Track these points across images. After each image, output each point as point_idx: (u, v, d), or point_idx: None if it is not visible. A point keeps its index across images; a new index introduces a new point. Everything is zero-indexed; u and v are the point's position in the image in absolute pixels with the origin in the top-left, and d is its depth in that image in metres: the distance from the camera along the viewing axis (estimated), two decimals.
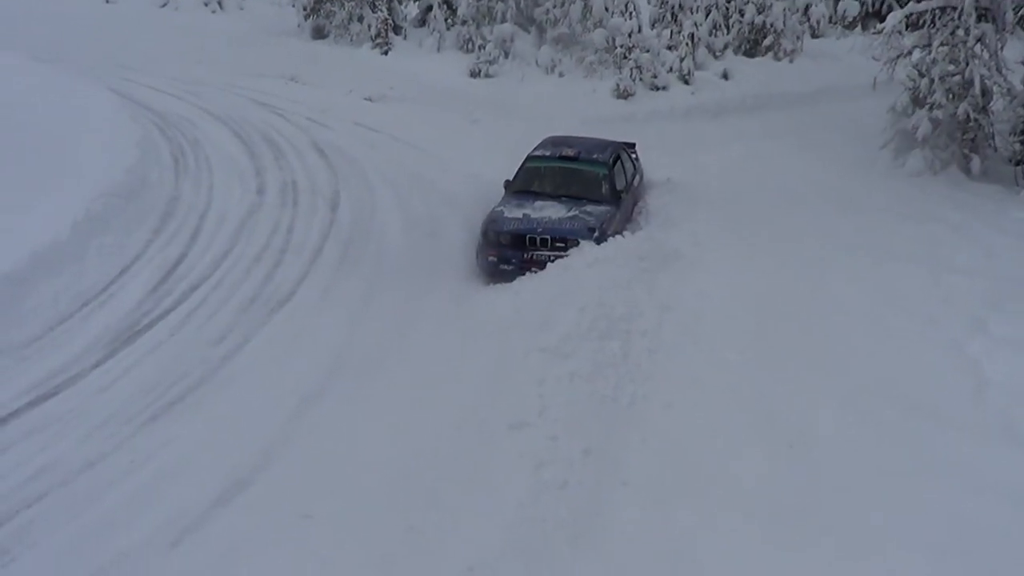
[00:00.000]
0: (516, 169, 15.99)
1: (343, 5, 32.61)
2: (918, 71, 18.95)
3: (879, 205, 17.18)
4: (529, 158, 16.16)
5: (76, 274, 12.73)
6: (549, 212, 14.49)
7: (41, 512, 8.27)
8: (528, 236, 13.98)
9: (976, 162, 18.72)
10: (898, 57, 19.17)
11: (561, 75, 27.76)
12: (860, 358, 11.28)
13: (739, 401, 10.35)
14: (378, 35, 31.38)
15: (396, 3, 33.89)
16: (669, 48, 28.51)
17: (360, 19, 32.36)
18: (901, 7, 19.27)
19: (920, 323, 12.11)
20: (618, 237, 14.16)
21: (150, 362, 11.10)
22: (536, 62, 28.36)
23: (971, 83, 18.19)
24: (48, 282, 12.26)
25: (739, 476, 9.06)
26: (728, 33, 31.05)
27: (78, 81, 21.97)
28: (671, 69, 27.47)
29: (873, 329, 11.99)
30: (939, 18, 18.60)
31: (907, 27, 19.27)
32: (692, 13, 30.68)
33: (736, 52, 30.95)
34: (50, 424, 9.58)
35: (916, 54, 19.19)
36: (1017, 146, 18.73)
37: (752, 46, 31.26)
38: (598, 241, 13.86)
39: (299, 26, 34.29)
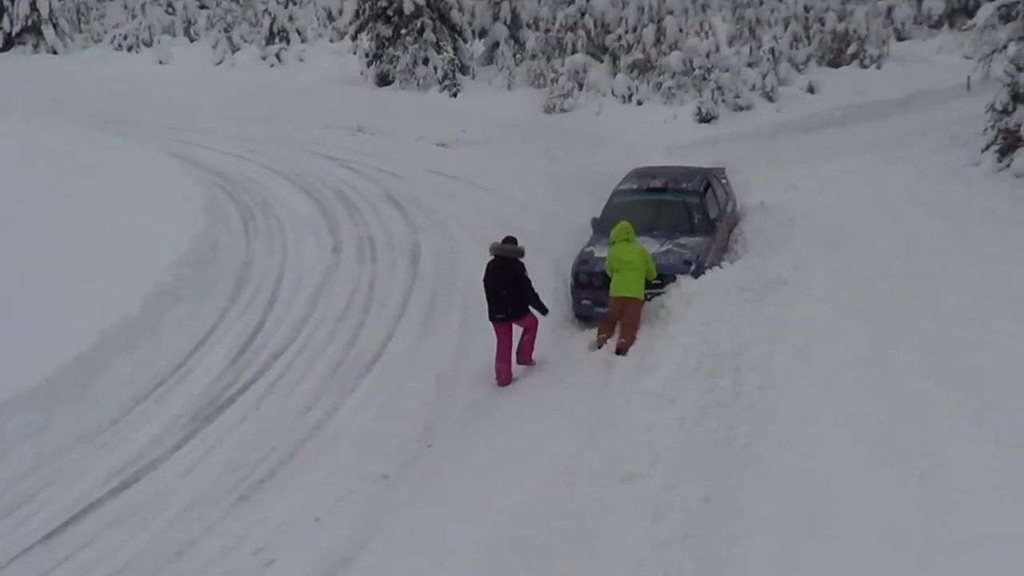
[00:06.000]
0: (603, 205, 15.58)
1: (407, 49, 32.42)
2: (1016, 65, 18.07)
3: (986, 211, 16.28)
4: (615, 192, 15.77)
5: (151, 350, 12.67)
6: None
7: None
8: None
9: None
10: (993, 52, 18.45)
11: (639, 103, 27.36)
12: (989, 374, 10.51)
13: (861, 432, 9.72)
14: (445, 77, 31.23)
15: (461, 42, 33.77)
16: (750, 65, 28.00)
17: (425, 61, 32.17)
18: (991, 0, 18.48)
19: None
20: (716, 268, 13.68)
21: (235, 439, 10.92)
22: (612, 91, 28.03)
23: None
24: (121, 361, 12.21)
25: (870, 513, 8.47)
26: (810, 44, 30.43)
27: (139, 148, 22.19)
28: (753, 87, 26.91)
29: (1001, 342, 11.18)
30: None
31: (1000, 20, 18.47)
32: (770, 27, 30.26)
33: (820, 63, 30.29)
34: (133, 513, 9.40)
35: (1012, 47, 18.32)
36: None
37: (836, 55, 30.55)
38: (695, 274, 13.40)
39: (362, 74, 34.32)
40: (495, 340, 12.27)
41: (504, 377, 12.07)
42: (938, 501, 8.51)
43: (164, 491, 9.89)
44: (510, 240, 12.47)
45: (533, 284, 12.36)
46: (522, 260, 12.26)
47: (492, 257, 12.34)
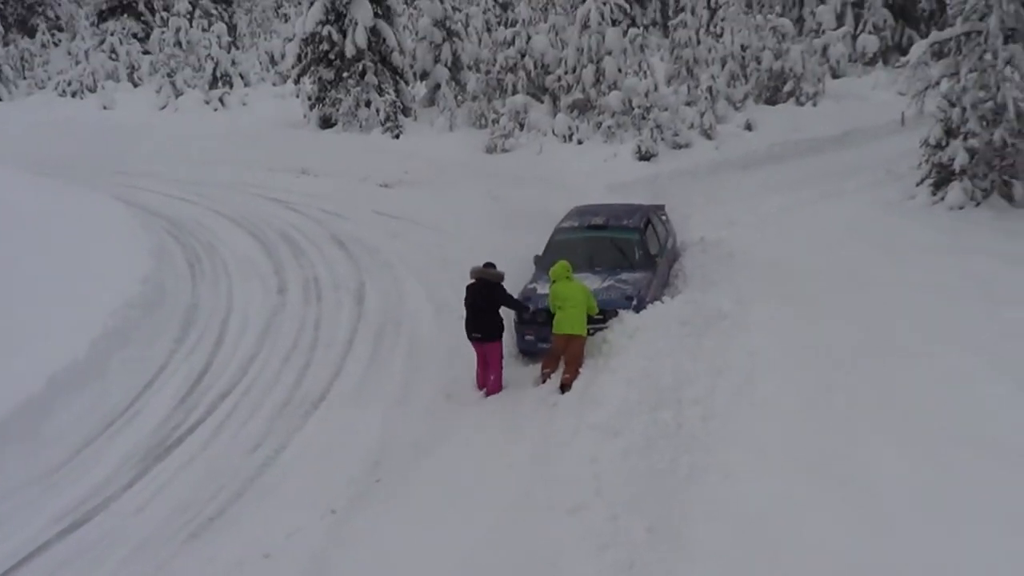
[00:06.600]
0: (545, 243, 15.67)
1: (349, 91, 32.45)
2: (948, 101, 18.37)
3: (922, 242, 16.56)
4: (557, 230, 15.88)
5: (99, 392, 12.65)
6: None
7: None
8: None
9: (1018, 188, 18.06)
10: (926, 89, 18.75)
11: (580, 142, 27.60)
12: (925, 403, 10.66)
13: (803, 462, 9.80)
14: (387, 119, 31.34)
15: (403, 84, 33.88)
16: (688, 104, 28.34)
17: (367, 104, 32.19)
18: (922, 37, 18.85)
19: (983, 361, 11.46)
20: (657, 303, 13.76)
21: (184, 478, 10.89)
22: (553, 131, 28.27)
23: (1004, 107, 17.52)
24: (70, 403, 12.19)
25: (813, 542, 8.53)
26: (747, 82, 30.90)
27: (83, 193, 22.21)
28: (692, 125, 27.22)
29: (935, 371, 11.35)
30: (965, 44, 18.08)
31: (932, 57, 18.86)
32: (708, 66, 30.67)
33: (757, 101, 30.76)
34: (85, 552, 9.36)
35: (944, 84, 18.63)
36: None
37: (773, 93, 31.05)
38: (637, 309, 13.47)
39: (305, 117, 34.23)
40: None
41: (483, 382, 12.89)
42: (881, 531, 8.58)
43: (115, 530, 9.84)
44: (490, 265, 13.12)
45: (512, 295, 13.21)
46: (502, 284, 12.93)
47: (472, 280, 12.90)
